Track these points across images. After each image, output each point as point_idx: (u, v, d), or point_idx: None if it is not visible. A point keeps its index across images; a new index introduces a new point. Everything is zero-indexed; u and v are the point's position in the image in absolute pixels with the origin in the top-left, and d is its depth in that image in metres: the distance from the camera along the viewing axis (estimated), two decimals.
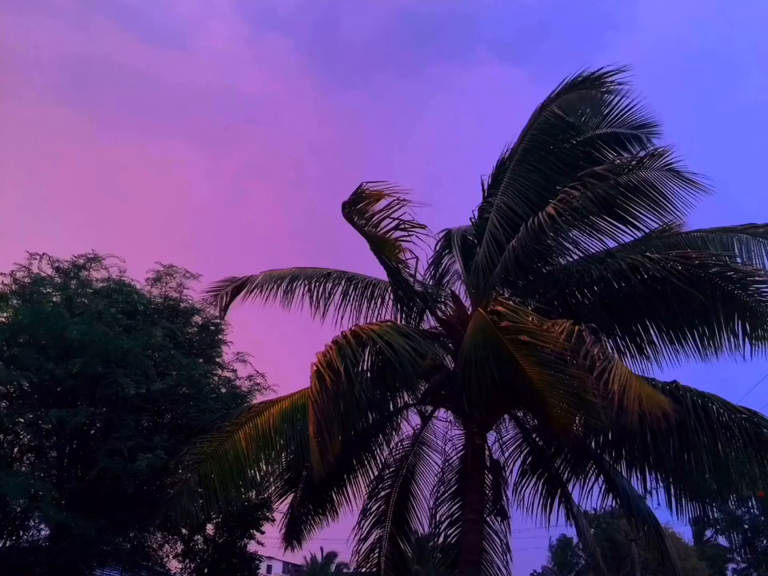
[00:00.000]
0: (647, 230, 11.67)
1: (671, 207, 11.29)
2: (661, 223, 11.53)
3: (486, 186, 12.81)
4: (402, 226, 11.49)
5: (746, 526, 25.38)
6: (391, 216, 11.30)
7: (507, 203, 11.84)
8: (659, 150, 11.21)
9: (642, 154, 11.68)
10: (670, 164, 10.96)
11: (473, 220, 12.77)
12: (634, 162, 11.18)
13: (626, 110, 12.15)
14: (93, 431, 13.61)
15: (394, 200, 11.31)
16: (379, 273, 12.57)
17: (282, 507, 13.99)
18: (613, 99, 12.19)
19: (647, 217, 11.47)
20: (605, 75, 11.85)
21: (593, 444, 12.18)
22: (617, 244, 11.81)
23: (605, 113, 12.21)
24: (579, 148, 12.26)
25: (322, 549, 55.96)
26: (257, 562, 16.14)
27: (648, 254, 10.67)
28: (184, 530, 14.77)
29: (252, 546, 16.17)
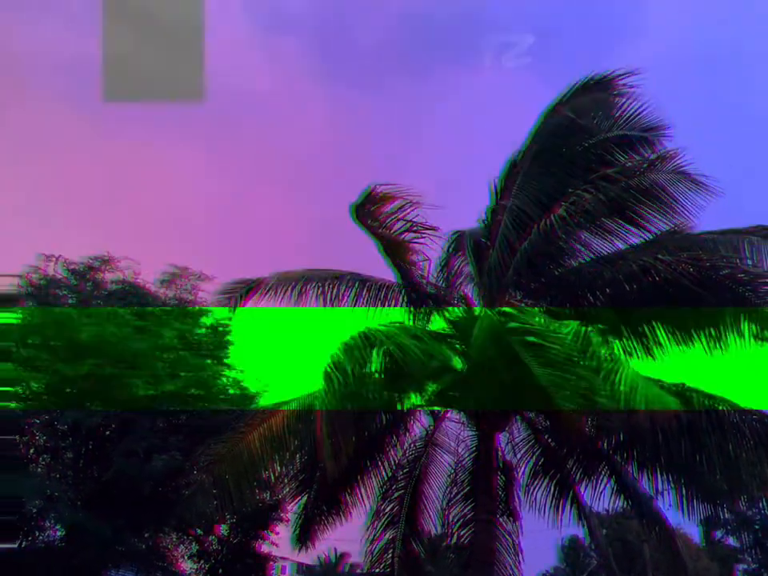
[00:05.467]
0: (657, 232, 11.69)
1: (681, 209, 11.34)
2: (671, 225, 11.54)
3: (495, 189, 12.82)
4: (414, 228, 11.55)
5: (757, 527, 25.30)
6: (402, 218, 11.37)
7: (519, 205, 11.86)
8: (669, 152, 11.26)
9: (651, 156, 11.71)
10: (681, 166, 10.99)
11: (484, 222, 12.79)
12: (645, 165, 11.23)
13: (636, 113, 12.12)
14: (108, 432, 13.68)
15: (406, 202, 11.41)
16: (388, 274, 12.61)
17: (293, 508, 14.03)
18: (623, 102, 12.18)
19: (657, 219, 11.53)
20: (614, 78, 11.86)
21: (604, 445, 12.21)
22: (627, 246, 11.83)
23: (615, 115, 12.18)
24: (591, 150, 12.27)
25: (335, 549, 55.85)
26: (270, 562, 16.21)
27: (659, 255, 10.68)
28: (198, 530, 14.85)
29: (265, 547, 16.22)
